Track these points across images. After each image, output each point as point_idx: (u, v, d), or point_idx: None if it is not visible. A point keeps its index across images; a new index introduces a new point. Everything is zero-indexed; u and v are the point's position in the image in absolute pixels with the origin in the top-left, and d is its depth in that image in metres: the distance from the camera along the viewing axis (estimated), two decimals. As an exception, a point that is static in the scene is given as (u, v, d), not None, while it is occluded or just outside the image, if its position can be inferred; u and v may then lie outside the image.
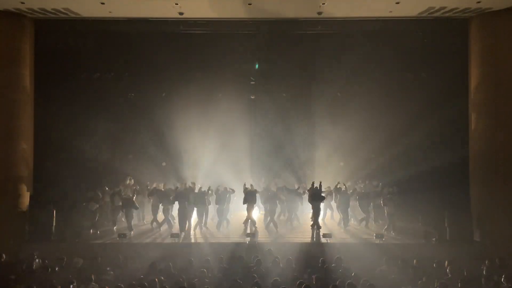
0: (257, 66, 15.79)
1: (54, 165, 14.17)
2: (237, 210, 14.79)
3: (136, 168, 16.54)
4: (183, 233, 12.82)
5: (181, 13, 12.67)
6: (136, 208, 13.23)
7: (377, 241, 12.12)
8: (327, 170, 16.88)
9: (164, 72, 15.57)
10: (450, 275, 8.46)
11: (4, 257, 9.81)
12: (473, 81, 13.07)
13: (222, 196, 13.61)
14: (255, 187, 13.93)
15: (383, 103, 16.31)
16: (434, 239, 12.71)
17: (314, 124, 17.09)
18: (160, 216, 13.69)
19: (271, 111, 17.29)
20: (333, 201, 14.56)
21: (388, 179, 15.65)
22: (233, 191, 13.80)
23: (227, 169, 16.97)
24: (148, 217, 14.51)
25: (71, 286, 7.74)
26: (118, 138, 16.04)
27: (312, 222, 12.71)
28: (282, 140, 17.28)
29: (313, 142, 17.07)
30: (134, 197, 13.22)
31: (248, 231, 12.52)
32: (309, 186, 13.21)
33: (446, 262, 9.27)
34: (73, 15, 13.00)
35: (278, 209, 14.09)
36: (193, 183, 13.97)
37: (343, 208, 13.76)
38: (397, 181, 15.46)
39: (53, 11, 12.68)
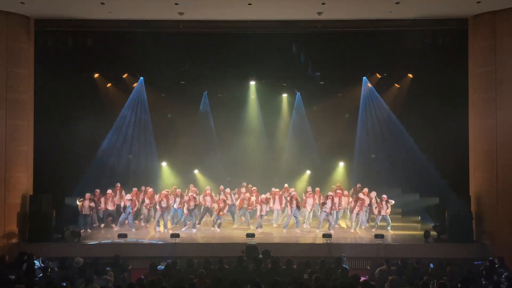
0: None
1: (54, 165, 14.15)
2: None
3: (137, 168, 16.60)
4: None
5: (181, 13, 12.66)
6: None
7: (377, 241, 12.12)
8: (326, 171, 16.93)
9: (164, 71, 15.55)
10: (450, 275, 8.46)
11: (7, 258, 9.80)
12: (473, 82, 13.07)
13: None
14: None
15: (382, 104, 16.33)
16: (434, 239, 12.71)
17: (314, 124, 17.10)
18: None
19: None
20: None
21: (388, 179, 15.68)
22: None
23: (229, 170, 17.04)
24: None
25: (70, 286, 7.76)
26: (118, 137, 16.01)
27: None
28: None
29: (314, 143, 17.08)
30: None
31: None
32: None
33: (446, 262, 9.27)
34: (73, 15, 13.00)
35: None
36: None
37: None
38: (398, 181, 15.50)
39: (53, 11, 12.68)
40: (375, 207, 13.61)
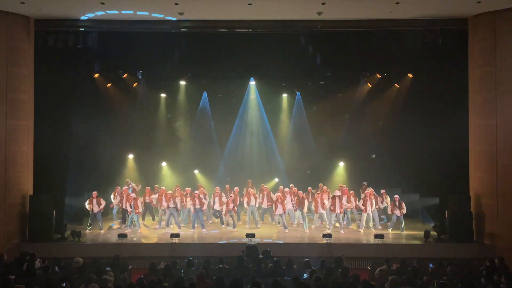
0: None
1: (54, 165, 14.14)
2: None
3: (137, 168, 16.60)
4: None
5: (181, 13, 12.66)
6: None
7: (377, 241, 12.12)
8: (329, 171, 16.93)
9: (163, 71, 15.56)
10: (450, 275, 8.46)
11: (6, 257, 9.80)
12: (473, 82, 13.07)
13: None
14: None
15: (382, 104, 16.33)
16: (434, 239, 12.71)
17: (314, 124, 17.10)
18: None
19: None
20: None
21: (388, 179, 15.67)
22: None
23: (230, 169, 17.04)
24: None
25: (70, 286, 7.76)
26: (118, 137, 16.02)
27: None
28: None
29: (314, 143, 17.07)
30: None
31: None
32: None
33: (446, 262, 9.27)
34: (73, 15, 12.99)
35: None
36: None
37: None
38: (398, 181, 15.49)
39: (53, 11, 12.68)
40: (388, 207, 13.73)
